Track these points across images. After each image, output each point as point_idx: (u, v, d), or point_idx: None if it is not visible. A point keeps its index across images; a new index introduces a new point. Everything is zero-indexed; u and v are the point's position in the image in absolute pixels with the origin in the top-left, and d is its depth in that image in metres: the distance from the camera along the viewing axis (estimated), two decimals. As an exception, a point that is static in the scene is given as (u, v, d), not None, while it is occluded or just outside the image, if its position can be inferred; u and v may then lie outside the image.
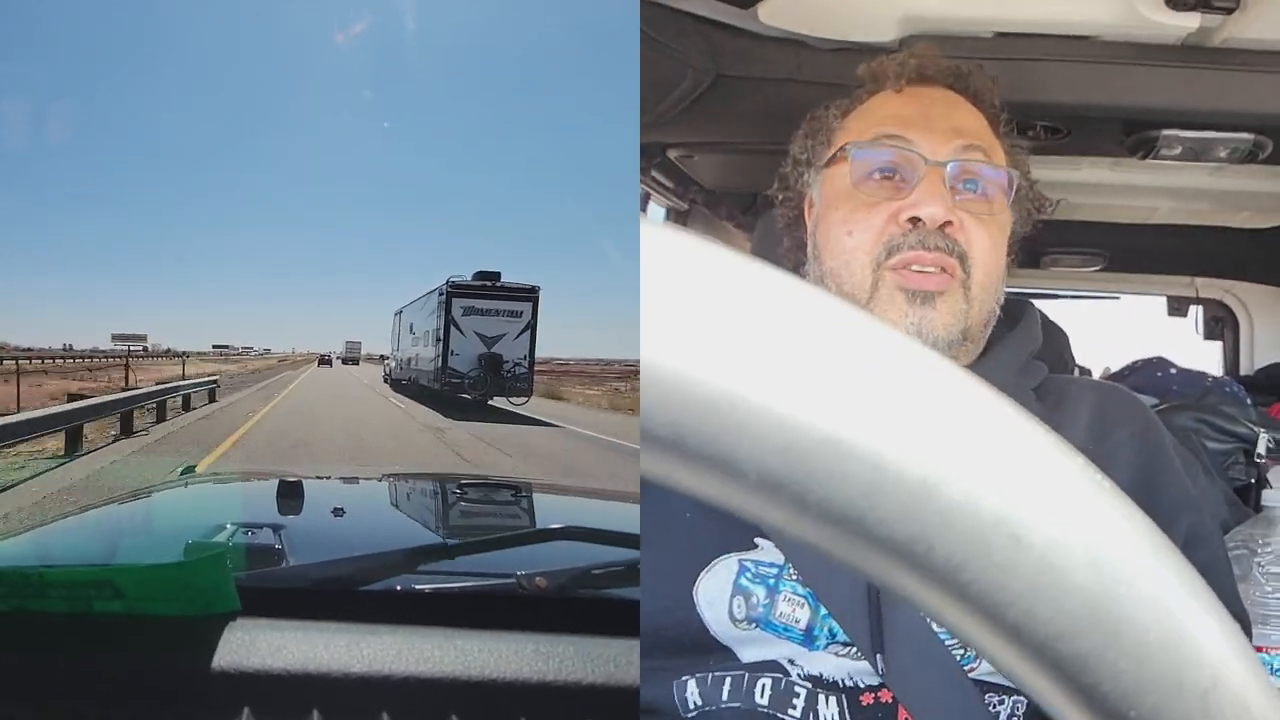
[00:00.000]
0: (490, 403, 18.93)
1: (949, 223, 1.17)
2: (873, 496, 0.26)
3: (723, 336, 0.26)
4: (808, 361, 0.26)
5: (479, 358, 19.43)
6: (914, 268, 1.17)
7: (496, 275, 20.54)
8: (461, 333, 19.63)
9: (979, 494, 0.26)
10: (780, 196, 1.35)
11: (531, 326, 20.01)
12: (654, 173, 2.40)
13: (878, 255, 1.18)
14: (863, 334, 0.27)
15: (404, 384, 24.56)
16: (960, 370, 0.28)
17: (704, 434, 0.25)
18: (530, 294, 20.29)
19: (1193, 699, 0.29)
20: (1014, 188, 1.24)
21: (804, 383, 0.26)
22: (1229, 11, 1.51)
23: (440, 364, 19.73)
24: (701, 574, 1.13)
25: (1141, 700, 0.28)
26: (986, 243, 1.20)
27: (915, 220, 1.17)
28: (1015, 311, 1.31)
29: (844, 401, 0.26)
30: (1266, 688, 0.31)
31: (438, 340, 19.99)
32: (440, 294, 20.37)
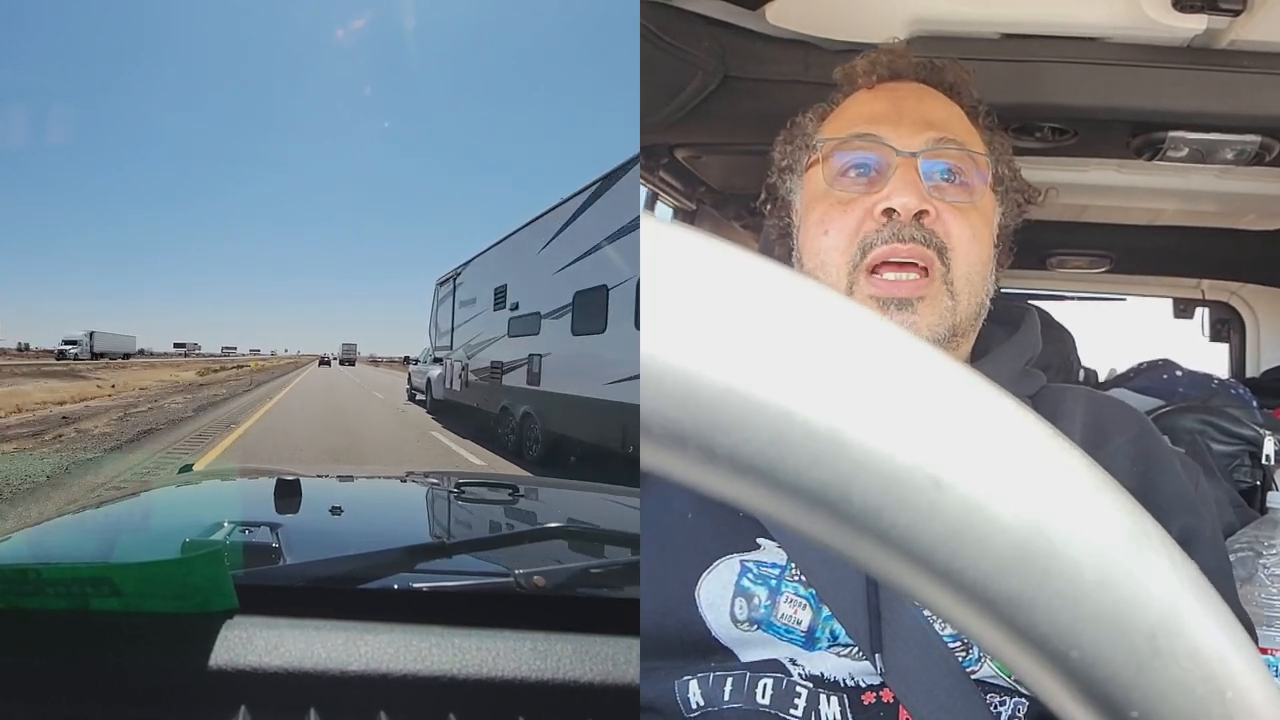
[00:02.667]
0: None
1: (924, 212, 1.16)
2: (782, 445, 0.26)
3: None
4: (709, 310, 0.26)
5: None
6: (887, 276, 1.16)
7: None
8: None
9: (895, 436, 0.26)
10: (769, 208, 1.35)
11: None
12: (662, 173, 2.41)
13: (853, 256, 1.17)
14: (765, 280, 0.27)
15: (457, 411, 13.38)
16: (867, 311, 0.27)
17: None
18: None
19: (1138, 638, 0.28)
20: (992, 175, 1.23)
21: (707, 332, 0.26)
22: (1235, 13, 1.51)
23: None
24: (703, 575, 1.12)
25: (1081, 640, 0.28)
26: (967, 232, 1.18)
27: (890, 212, 1.16)
28: (1015, 316, 1.31)
29: (748, 348, 0.26)
30: (1223, 627, 0.30)
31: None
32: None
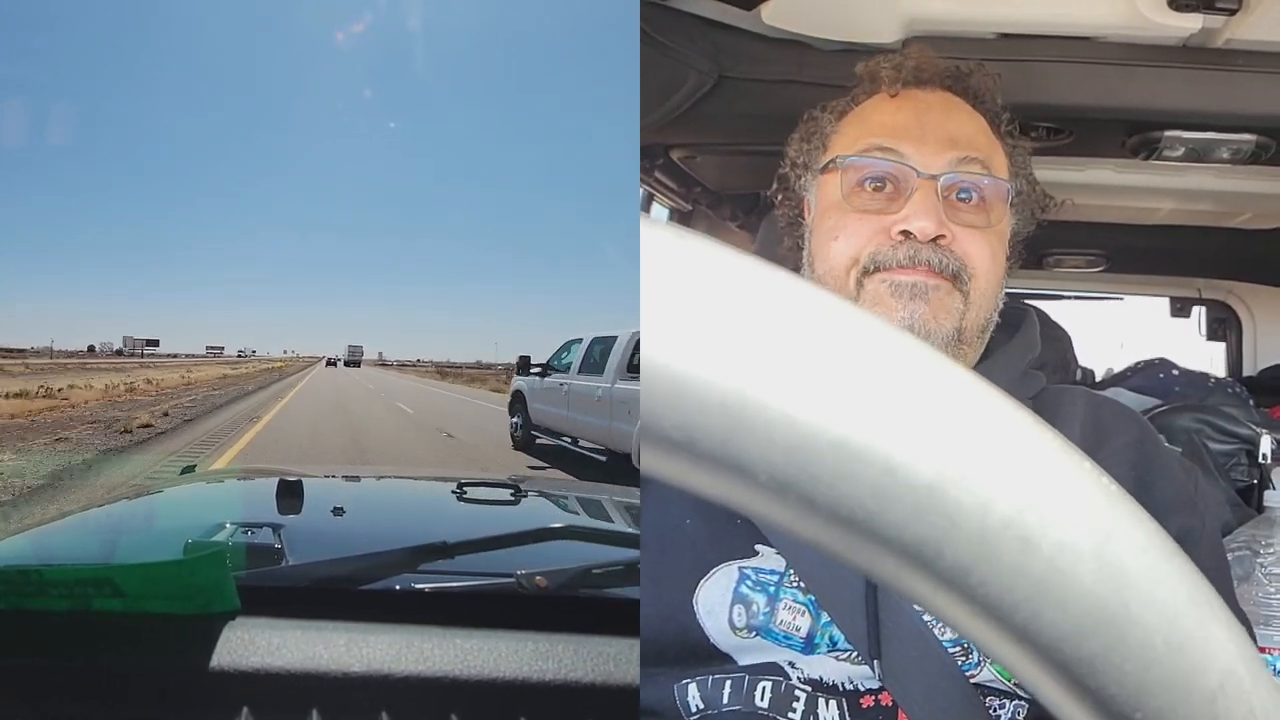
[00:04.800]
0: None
1: (941, 236, 1.16)
2: (882, 499, 0.26)
3: (726, 335, 0.26)
4: (815, 362, 0.26)
5: None
6: (899, 276, 1.16)
7: None
8: None
9: (988, 497, 0.27)
10: (780, 197, 1.34)
11: None
12: (657, 174, 2.41)
13: (864, 264, 1.17)
14: (868, 333, 0.27)
15: None
16: (968, 372, 0.28)
17: (708, 434, 0.26)
18: None
19: (1199, 702, 0.29)
20: (1013, 196, 1.23)
21: (812, 384, 0.26)
22: (1231, 13, 1.51)
23: None
24: (701, 582, 1.12)
25: (1148, 703, 0.29)
26: (985, 253, 1.18)
27: (906, 234, 1.16)
28: (1014, 318, 1.30)
29: (853, 403, 0.26)
30: (1272, 692, 0.31)
31: None
32: None
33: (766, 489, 0.26)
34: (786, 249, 1.33)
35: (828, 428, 0.26)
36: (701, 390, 0.25)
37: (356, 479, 2.06)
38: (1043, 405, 1.25)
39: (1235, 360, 3.15)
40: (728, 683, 1.09)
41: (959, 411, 0.27)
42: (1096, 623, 0.28)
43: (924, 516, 0.26)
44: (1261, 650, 1.39)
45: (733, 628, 1.10)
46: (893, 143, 1.20)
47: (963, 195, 1.18)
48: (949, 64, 1.27)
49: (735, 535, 1.13)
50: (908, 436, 0.26)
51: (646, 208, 2.59)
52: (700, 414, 0.25)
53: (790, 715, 1.06)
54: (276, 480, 1.48)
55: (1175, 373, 2.48)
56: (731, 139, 2.23)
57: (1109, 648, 0.28)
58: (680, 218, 2.63)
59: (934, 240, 1.16)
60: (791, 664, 1.09)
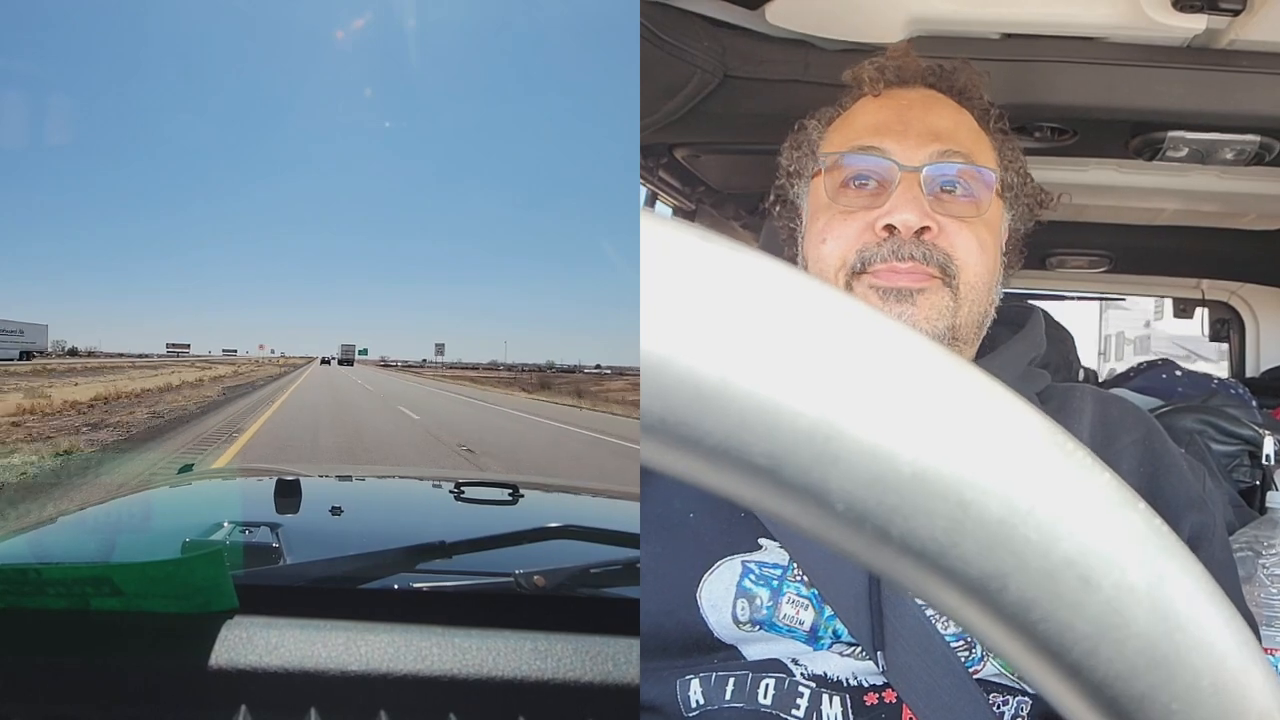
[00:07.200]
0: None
1: (926, 228, 1.15)
2: (954, 533, 0.27)
3: (814, 365, 0.26)
4: (896, 394, 0.26)
5: None
6: (885, 281, 1.16)
7: None
8: None
9: (1054, 535, 0.27)
10: (777, 210, 1.34)
11: None
12: (661, 173, 2.41)
13: (852, 264, 1.17)
14: (945, 367, 0.27)
15: None
16: (1035, 409, 0.28)
17: (794, 462, 0.26)
18: None
19: None
20: (999, 183, 1.22)
21: (895, 416, 0.26)
22: (1235, 13, 1.51)
23: None
24: (705, 575, 1.12)
25: None
26: (973, 244, 1.17)
27: (890, 228, 1.16)
28: (1019, 316, 1.30)
29: (933, 436, 0.26)
30: None
31: None
32: None
33: (842, 519, 0.26)
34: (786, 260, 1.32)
35: (910, 460, 0.26)
36: (791, 419, 0.25)
37: (354, 478, 2.05)
38: (1049, 402, 1.25)
39: (1238, 361, 3.15)
40: (731, 679, 1.09)
41: (1028, 448, 0.27)
42: (1148, 663, 0.28)
43: (992, 552, 0.27)
44: (1266, 651, 1.39)
45: (736, 622, 1.10)
46: (875, 140, 1.20)
47: (947, 186, 1.18)
48: (931, 62, 1.28)
49: (739, 529, 1.13)
50: (981, 472, 0.27)
51: (650, 206, 2.59)
52: (790, 442, 0.25)
53: (794, 712, 1.06)
54: (274, 479, 1.47)
55: (1178, 373, 2.48)
56: (736, 138, 2.23)
57: (1157, 688, 0.28)
58: (684, 216, 2.63)
59: (919, 234, 1.15)
60: (795, 660, 1.09)
